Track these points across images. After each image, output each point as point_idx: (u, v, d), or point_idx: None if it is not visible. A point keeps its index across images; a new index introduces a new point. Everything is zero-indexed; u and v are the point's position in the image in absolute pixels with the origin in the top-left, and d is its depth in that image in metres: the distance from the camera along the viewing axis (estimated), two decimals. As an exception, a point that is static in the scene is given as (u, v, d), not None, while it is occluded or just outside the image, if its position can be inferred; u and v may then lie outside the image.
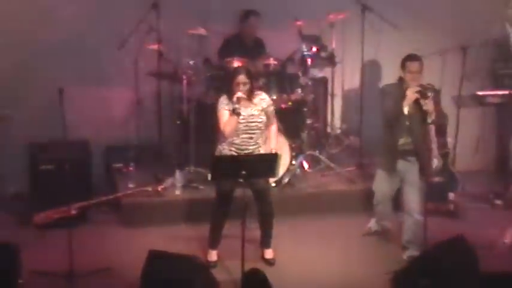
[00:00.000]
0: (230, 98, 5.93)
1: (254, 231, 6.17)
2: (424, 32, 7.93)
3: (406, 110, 5.91)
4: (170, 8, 7.22)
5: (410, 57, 6.10)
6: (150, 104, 7.58)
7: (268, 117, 6.08)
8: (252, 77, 5.98)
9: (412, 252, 6.14)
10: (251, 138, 6.00)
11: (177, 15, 7.39)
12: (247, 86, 5.90)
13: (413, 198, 6.10)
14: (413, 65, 6.05)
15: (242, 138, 5.99)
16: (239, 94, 5.86)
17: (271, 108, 6.11)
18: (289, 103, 7.28)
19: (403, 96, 5.96)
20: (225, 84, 6.25)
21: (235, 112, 5.85)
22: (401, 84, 6.08)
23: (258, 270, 5.80)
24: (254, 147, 6.01)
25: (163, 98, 7.45)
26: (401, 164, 6.12)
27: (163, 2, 7.07)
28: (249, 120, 5.97)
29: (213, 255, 6.14)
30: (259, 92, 6.12)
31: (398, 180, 6.19)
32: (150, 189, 6.94)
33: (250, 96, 5.94)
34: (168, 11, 7.17)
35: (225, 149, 6.01)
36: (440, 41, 7.72)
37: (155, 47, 7.14)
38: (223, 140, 6.02)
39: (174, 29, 7.28)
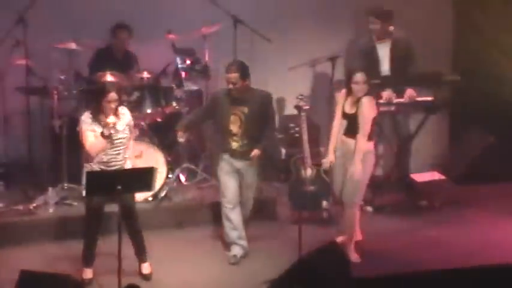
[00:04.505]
0: (94, 115, 5.81)
1: (130, 246, 6.09)
2: (295, 44, 8.11)
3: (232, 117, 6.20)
4: (38, 21, 7.04)
5: (227, 68, 6.21)
6: (19, 120, 7.36)
7: (130, 131, 6.04)
8: (120, 93, 5.90)
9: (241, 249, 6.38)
10: (118, 154, 5.93)
11: (45, 29, 7.24)
12: (117, 103, 5.83)
13: (249, 195, 6.45)
14: (227, 76, 6.16)
15: (110, 155, 5.90)
16: (112, 119, 5.76)
17: (132, 122, 6.07)
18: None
19: (229, 102, 6.20)
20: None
21: (103, 135, 5.75)
22: (230, 91, 6.23)
23: (135, 286, 5.74)
24: (122, 162, 5.95)
25: (33, 114, 7.23)
26: (240, 165, 6.33)
27: (30, 15, 6.88)
28: (114, 137, 5.86)
29: (88, 273, 5.99)
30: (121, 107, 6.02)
31: (238, 176, 6.39)
32: (21, 207, 6.74)
33: (117, 113, 5.87)
34: (36, 25, 6.99)
35: (94, 168, 5.89)
36: (310, 52, 7.93)
37: (23, 62, 6.93)
38: (90, 159, 5.89)
39: (43, 43, 7.12)
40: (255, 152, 6.26)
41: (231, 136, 6.27)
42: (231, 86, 6.18)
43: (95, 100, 5.86)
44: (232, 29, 7.49)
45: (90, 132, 5.79)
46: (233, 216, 6.36)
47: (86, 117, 5.84)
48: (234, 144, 6.29)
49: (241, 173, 6.37)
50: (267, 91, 6.42)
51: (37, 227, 6.68)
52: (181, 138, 6.45)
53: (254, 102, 6.23)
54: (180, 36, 7.45)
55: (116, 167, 5.90)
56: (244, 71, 6.18)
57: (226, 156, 6.33)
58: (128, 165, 6.05)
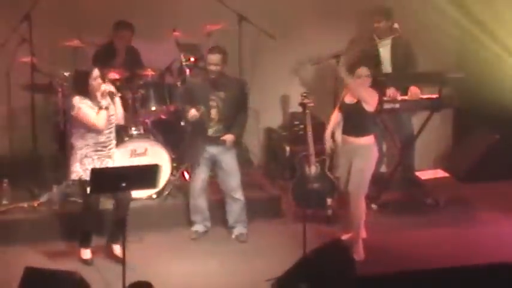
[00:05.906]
0: (84, 96, 5.93)
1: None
2: (300, 42, 8.11)
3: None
4: (43, 19, 7.05)
5: (210, 50, 6.41)
6: (24, 118, 7.36)
7: (116, 107, 6.10)
8: (103, 71, 6.09)
9: (241, 229, 6.65)
10: (111, 133, 6.03)
11: (50, 26, 7.24)
12: (102, 80, 5.96)
13: (233, 183, 6.56)
14: (211, 58, 6.36)
15: (105, 134, 5.98)
16: (105, 87, 5.88)
17: (113, 89, 6.14)
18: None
19: (206, 88, 6.37)
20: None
21: (102, 107, 5.88)
22: (208, 76, 6.44)
23: (146, 283, 5.73)
24: (114, 142, 6.07)
25: (38, 111, 7.23)
26: (216, 150, 6.46)
27: (35, 13, 6.88)
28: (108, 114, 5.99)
29: (86, 254, 6.12)
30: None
31: (210, 164, 6.52)
32: (25, 205, 6.75)
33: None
34: (41, 23, 7.00)
35: (88, 152, 5.96)
36: (315, 50, 7.92)
37: (28, 59, 6.93)
38: (84, 144, 5.96)
39: (48, 40, 7.13)
40: (228, 136, 6.42)
41: (208, 122, 6.39)
42: (212, 67, 6.33)
43: (82, 83, 5.98)
44: (237, 26, 7.48)
45: (90, 109, 5.88)
46: (197, 203, 6.64)
47: (78, 99, 5.96)
48: (210, 131, 6.43)
49: (218, 159, 6.48)
50: (244, 79, 6.59)
51: (41, 225, 6.68)
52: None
53: (231, 87, 6.42)
54: (184, 34, 7.44)
55: (110, 147, 5.99)
56: (225, 54, 6.40)
57: (201, 143, 6.45)
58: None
